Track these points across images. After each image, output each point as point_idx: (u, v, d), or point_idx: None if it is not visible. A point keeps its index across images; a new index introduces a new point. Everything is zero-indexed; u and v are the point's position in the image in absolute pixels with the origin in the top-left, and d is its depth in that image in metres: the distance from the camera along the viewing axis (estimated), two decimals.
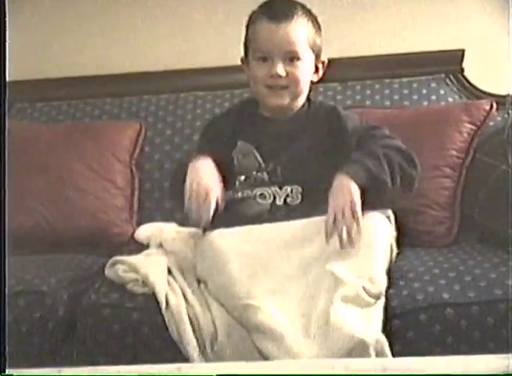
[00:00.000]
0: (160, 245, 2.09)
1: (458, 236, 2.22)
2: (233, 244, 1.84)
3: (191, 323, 1.75)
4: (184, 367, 1.39)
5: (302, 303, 1.71)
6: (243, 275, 1.76)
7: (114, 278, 1.93)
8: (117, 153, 2.51)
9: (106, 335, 1.84)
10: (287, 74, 1.99)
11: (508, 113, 2.42)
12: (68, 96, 2.79)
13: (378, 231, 1.85)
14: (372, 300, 1.71)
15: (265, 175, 2.03)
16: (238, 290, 1.74)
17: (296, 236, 1.86)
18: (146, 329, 1.82)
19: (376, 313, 1.70)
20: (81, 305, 1.91)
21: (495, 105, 2.37)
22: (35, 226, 2.38)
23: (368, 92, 2.62)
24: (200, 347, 1.73)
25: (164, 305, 1.79)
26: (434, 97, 2.59)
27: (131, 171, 2.53)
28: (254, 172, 2.04)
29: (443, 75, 2.65)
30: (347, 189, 1.84)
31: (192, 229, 2.18)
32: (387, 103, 2.59)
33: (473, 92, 2.63)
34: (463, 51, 2.65)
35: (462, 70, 2.66)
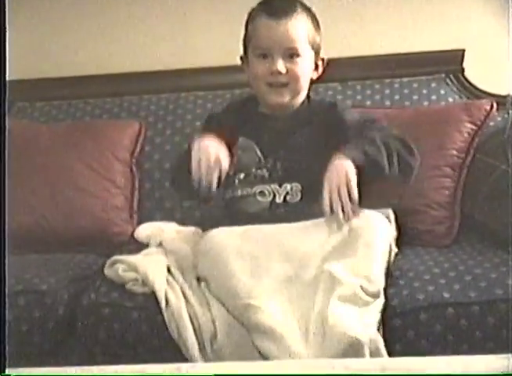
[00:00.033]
0: (160, 244, 2.09)
1: (458, 236, 2.21)
2: (233, 243, 1.84)
3: (191, 322, 1.75)
4: (183, 367, 1.39)
5: (301, 303, 1.72)
6: (244, 275, 1.76)
7: (114, 277, 1.94)
8: (117, 153, 2.51)
9: (105, 334, 1.85)
10: (287, 70, 1.99)
11: (508, 114, 2.42)
12: (68, 96, 2.78)
13: (377, 231, 1.85)
14: (370, 299, 1.72)
15: (265, 172, 2.03)
16: (239, 289, 1.74)
17: (295, 236, 1.86)
18: (145, 328, 1.82)
19: (373, 313, 1.71)
20: (81, 304, 1.91)
21: (495, 105, 2.37)
22: (35, 226, 2.38)
23: (368, 91, 2.62)
24: (199, 346, 1.73)
25: (163, 305, 1.80)
26: (434, 97, 2.59)
27: (131, 170, 2.52)
28: (254, 169, 2.04)
29: (443, 75, 2.65)
30: (342, 168, 1.84)
31: (192, 228, 2.19)
32: (388, 102, 2.59)
33: (473, 92, 2.63)
34: (463, 51, 2.65)
35: (462, 70, 2.66)
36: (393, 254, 1.95)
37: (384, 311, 1.73)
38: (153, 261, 1.95)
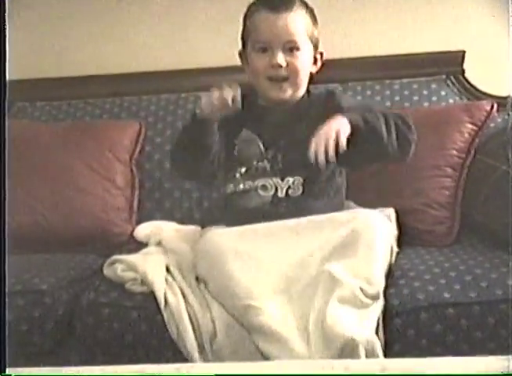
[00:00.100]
0: (159, 243, 2.10)
1: (458, 236, 2.22)
2: (232, 243, 1.84)
3: (190, 322, 1.76)
4: (183, 367, 1.39)
5: (300, 303, 1.72)
6: (243, 275, 1.76)
7: (113, 277, 1.94)
8: (117, 153, 2.51)
9: (105, 334, 1.85)
10: (287, 64, 1.99)
11: (509, 115, 2.43)
12: (68, 96, 2.78)
13: (378, 231, 1.84)
14: (369, 301, 1.72)
15: (266, 164, 2.03)
16: (238, 290, 1.74)
17: (295, 236, 1.86)
18: (144, 328, 1.82)
19: (372, 314, 1.71)
20: (80, 304, 1.91)
21: (495, 106, 2.37)
22: (35, 225, 2.38)
23: (368, 92, 2.62)
24: (199, 346, 1.73)
25: (162, 304, 1.80)
26: (434, 98, 2.59)
27: (131, 170, 2.52)
28: (255, 162, 2.05)
29: (444, 76, 2.65)
30: (336, 123, 1.83)
31: (192, 227, 2.19)
32: (388, 103, 2.58)
33: (473, 94, 2.63)
34: (463, 52, 2.65)
35: (463, 72, 2.66)
36: (394, 254, 1.95)
37: (384, 311, 1.74)
38: (152, 260, 1.95)
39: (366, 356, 1.59)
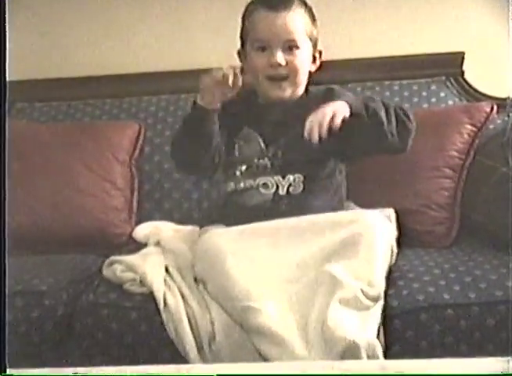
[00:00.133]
0: (158, 244, 2.09)
1: (458, 237, 2.22)
2: (231, 243, 1.84)
3: (189, 322, 1.75)
4: (182, 368, 1.39)
5: (300, 304, 1.71)
6: (242, 276, 1.76)
7: (112, 278, 1.94)
8: (117, 154, 2.51)
9: (104, 335, 1.84)
10: (287, 63, 2.00)
11: (508, 116, 2.42)
12: (68, 96, 2.78)
13: (379, 232, 1.84)
14: (370, 303, 1.71)
15: (267, 161, 2.04)
16: (237, 291, 1.73)
17: (295, 236, 1.86)
18: (144, 328, 1.82)
19: (372, 317, 1.70)
20: (80, 304, 1.91)
21: (495, 107, 2.37)
22: (34, 226, 2.37)
23: (368, 93, 2.61)
24: (197, 347, 1.73)
25: (161, 305, 1.80)
26: (434, 99, 2.59)
27: (131, 171, 2.52)
28: (256, 160, 2.05)
29: (443, 78, 2.65)
30: (335, 105, 1.84)
31: (190, 227, 2.19)
32: None
33: (473, 95, 2.63)
34: (463, 53, 2.65)
35: (462, 73, 2.66)
36: (394, 255, 1.95)
37: (383, 311, 1.73)
38: (151, 261, 1.95)
39: (368, 359, 1.59)
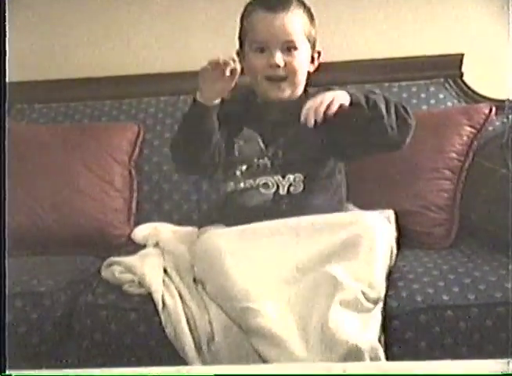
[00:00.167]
0: (157, 245, 2.09)
1: (457, 239, 2.22)
2: (230, 243, 1.84)
3: (188, 323, 1.75)
4: (182, 369, 1.39)
5: (300, 306, 1.71)
6: (241, 276, 1.76)
7: (111, 279, 1.94)
8: (116, 155, 2.51)
9: (102, 336, 1.84)
10: (285, 64, 2.00)
11: (507, 118, 2.42)
12: (67, 98, 2.77)
13: (379, 234, 1.84)
14: (370, 305, 1.71)
15: (267, 161, 2.04)
16: (236, 292, 1.73)
17: (295, 237, 1.85)
18: (142, 329, 1.82)
19: (373, 319, 1.71)
20: (78, 306, 1.91)
21: (494, 109, 2.38)
22: (33, 227, 2.37)
23: None
24: (196, 348, 1.72)
25: (160, 306, 1.80)
26: (433, 101, 2.59)
27: (130, 173, 2.52)
28: (256, 160, 2.05)
29: (442, 79, 2.65)
30: (336, 92, 1.85)
31: (189, 228, 2.19)
32: None
33: (472, 97, 2.63)
34: (462, 55, 2.65)
35: (461, 75, 2.66)
36: (394, 256, 1.95)
37: (383, 312, 1.74)
38: (149, 262, 1.95)
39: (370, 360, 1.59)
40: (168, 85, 2.75)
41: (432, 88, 2.63)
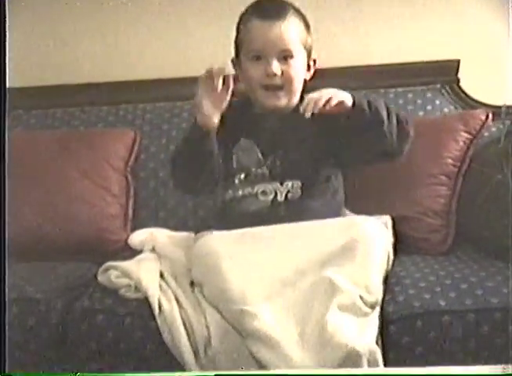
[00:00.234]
0: (153, 250, 2.09)
1: (454, 244, 2.21)
2: (227, 247, 1.84)
3: (184, 328, 1.75)
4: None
5: (298, 309, 1.71)
6: (238, 279, 1.76)
7: (107, 284, 1.94)
8: (113, 161, 2.51)
9: (99, 341, 1.85)
10: (282, 72, 2.00)
11: (504, 124, 2.41)
12: (64, 104, 2.78)
13: (376, 239, 1.85)
14: (368, 309, 1.72)
15: (265, 170, 2.04)
16: (233, 294, 1.74)
17: (292, 241, 1.86)
18: (139, 334, 1.82)
19: (371, 323, 1.71)
20: (75, 311, 1.91)
21: (490, 115, 2.38)
22: (29, 233, 2.36)
23: None
24: (193, 352, 1.72)
25: (156, 311, 1.80)
26: (429, 107, 2.59)
27: (127, 179, 2.52)
28: (254, 168, 2.05)
29: (439, 85, 2.65)
30: (337, 91, 1.85)
31: (185, 233, 2.19)
32: None
33: (468, 103, 2.63)
34: (458, 61, 2.65)
35: (457, 81, 2.66)
36: (391, 262, 1.95)
37: (379, 317, 1.74)
38: (146, 266, 1.95)
39: (368, 366, 1.59)
40: (165, 91, 2.75)
41: (429, 94, 2.63)
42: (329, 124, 1.92)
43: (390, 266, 1.94)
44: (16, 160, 2.33)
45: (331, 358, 1.60)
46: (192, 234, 2.13)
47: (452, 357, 1.72)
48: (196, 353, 1.72)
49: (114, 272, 1.94)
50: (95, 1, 2.84)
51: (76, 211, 2.41)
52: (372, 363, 1.60)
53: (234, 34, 2.09)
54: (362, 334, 1.66)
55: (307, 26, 2.06)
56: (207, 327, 1.74)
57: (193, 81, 2.74)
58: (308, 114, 1.81)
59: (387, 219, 2.10)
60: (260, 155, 2.06)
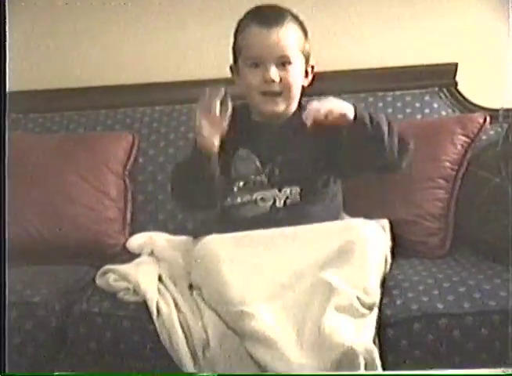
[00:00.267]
0: (152, 253, 2.10)
1: (452, 248, 2.22)
2: (226, 249, 1.84)
3: (183, 330, 1.75)
4: None
5: (296, 310, 1.72)
6: (237, 281, 1.76)
7: (105, 287, 1.94)
8: (111, 165, 2.51)
9: (97, 344, 1.85)
10: (280, 79, 2.00)
11: (501, 127, 2.42)
12: (62, 107, 2.78)
13: (372, 241, 1.85)
14: (365, 311, 1.72)
15: (264, 178, 2.04)
16: (232, 296, 1.74)
17: (291, 244, 1.86)
18: (137, 337, 1.82)
19: (368, 324, 1.71)
20: (73, 314, 1.91)
21: (488, 118, 2.38)
22: (27, 237, 2.37)
23: (361, 104, 2.61)
24: (191, 355, 1.73)
25: (155, 314, 1.80)
26: (427, 110, 2.59)
27: (125, 182, 2.52)
28: (253, 176, 2.05)
29: (436, 89, 2.66)
30: (341, 101, 1.84)
31: (183, 237, 2.19)
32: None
33: (466, 106, 2.63)
34: (456, 64, 2.66)
35: (455, 84, 2.67)
36: (388, 265, 1.96)
37: (377, 320, 1.74)
38: (144, 270, 1.96)
39: (366, 366, 1.60)
40: (163, 95, 2.76)
41: (426, 98, 2.63)
42: (329, 135, 1.92)
43: (388, 269, 1.94)
44: (14, 164, 2.34)
45: (328, 357, 1.60)
46: (190, 238, 2.13)
47: (450, 360, 1.72)
48: (194, 356, 1.72)
49: (112, 276, 1.94)
50: (94, 4, 2.85)
51: (74, 214, 2.41)
52: (369, 362, 1.61)
53: (231, 37, 2.09)
54: (359, 334, 1.66)
55: (305, 32, 2.06)
56: (205, 330, 1.74)
57: (192, 84, 2.77)
58: (309, 123, 1.80)
59: (384, 223, 2.11)
60: (258, 164, 2.06)
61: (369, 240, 1.84)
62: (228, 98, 1.94)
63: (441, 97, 2.64)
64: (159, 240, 2.20)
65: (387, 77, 2.70)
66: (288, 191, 2.02)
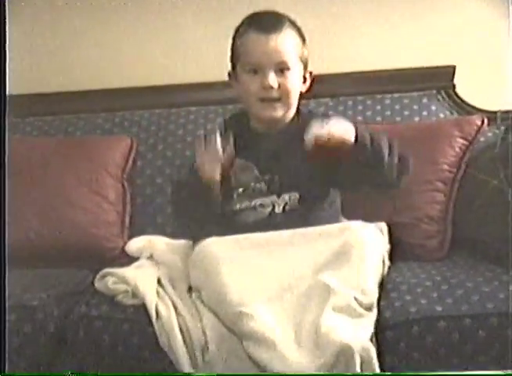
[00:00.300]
0: (151, 256, 2.10)
1: (450, 250, 2.22)
2: (226, 251, 1.85)
3: (181, 333, 1.76)
4: None
5: (294, 311, 1.72)
6: (236, 282, 1.77)
7: (104, 290, 1.94)
8: (109, 168, 2.51)
9: (96, 347, 1.84)
10: (279, 85, 2.00)
11: (499, 129, 2.42)
12: (60, 111, 2.78)
13: (369, 242, 1.86)
14: (363, 311, 1.73)
15: (263, 186, 2.05)
16: (230, 297, 1.74)
17: (289, 246, 1.87)
18: (136, 340, 1.82)
19: (366, 324, 1.72)
20: (72, 317, 1.91)
21: (486, 121, 2.38)
22: (26, 240, 2.36)
23: (360, 107, 2.62)
24: (190, 357, 1.73)
25: (154, 317, 1.80)
26: (425, 113, 2.60)
27: (123, 185, 2.52)
28: (252, 184, 2.05)
29: (434, 91, 2.66)
30: (344, 124, 1.83)
31: (182, 241, 2.19)
32: (379, 118, 2.59)
33: (464, 108, 2.64)
34: (454, 67, 2.66)
35: (453, 87, 2.67)
36: (386, 267, 1.96)
37: (376, 323, 1.74)
38: (143, 273, 1.96)
39: (362, 364, 1.60)
40: (161, 98, 2.76)
41: (424, 100, 2.64)
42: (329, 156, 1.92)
43: (385, 271, 1.95)
44: (13, 167, 2.34)
45: (325, 354, 1.60)
46: (190, 242, 2.13)
47: (449, 363, 1.72)
48: (193, 358, 1.73)
49: (111, 279, 1.94)
50: (94, 4, 2.85)
51: (72, 218, 2.41)
52: (366, 360, 1.61)
53: (230, 39, 2.09)
54: (356, 332, 1.66)
55: (302, 38, 2.06)
56: (204, 332, 1.74)
57: (190, 87, 2.77)
58: (308, 148, 1.80)
59: (382, 226, 2.11)
60: (257, 172, 2.06)
61: (366, 242, 1.84)
62: (230, 135, 1.95)
63: (439, 99, 2.65)
64: (158, 243, 2.20)
65: (385, 79, 2.71)
66: (287, 197, 2.02)
